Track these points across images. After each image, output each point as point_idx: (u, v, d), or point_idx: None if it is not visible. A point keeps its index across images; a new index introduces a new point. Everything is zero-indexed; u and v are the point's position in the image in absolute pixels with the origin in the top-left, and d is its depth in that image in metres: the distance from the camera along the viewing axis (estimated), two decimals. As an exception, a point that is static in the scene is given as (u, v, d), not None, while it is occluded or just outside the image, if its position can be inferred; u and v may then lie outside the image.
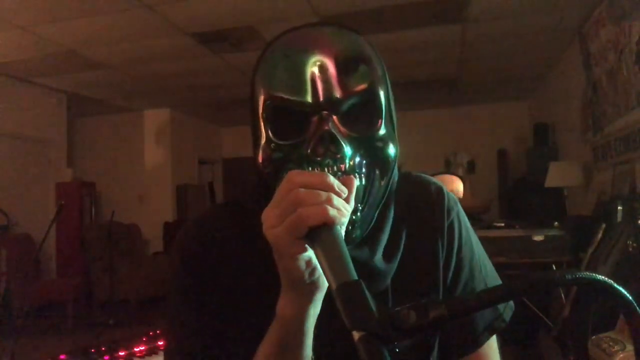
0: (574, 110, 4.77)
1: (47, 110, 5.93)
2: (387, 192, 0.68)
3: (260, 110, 0.64)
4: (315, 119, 0.60)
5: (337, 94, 0.60)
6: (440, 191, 0.77)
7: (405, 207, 0.73)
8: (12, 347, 3.24)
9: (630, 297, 0.42)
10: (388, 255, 0.68)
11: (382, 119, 0.64)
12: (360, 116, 0.62)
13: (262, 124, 0.64)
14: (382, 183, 0.65)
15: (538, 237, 3.40)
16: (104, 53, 4.65)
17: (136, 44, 4.45)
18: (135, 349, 3.27)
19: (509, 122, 7.18)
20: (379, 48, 0.68)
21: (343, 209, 0.50)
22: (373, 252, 0.67)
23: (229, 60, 4.98)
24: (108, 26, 4.02)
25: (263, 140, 0.63)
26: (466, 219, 0.79)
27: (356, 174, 0.60)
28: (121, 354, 3.25)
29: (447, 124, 7.41)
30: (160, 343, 3.35)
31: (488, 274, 0.77)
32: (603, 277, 0.41)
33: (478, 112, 7.29)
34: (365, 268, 0.64)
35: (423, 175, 0.80)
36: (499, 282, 0.78)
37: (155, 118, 7.15)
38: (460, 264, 0.75)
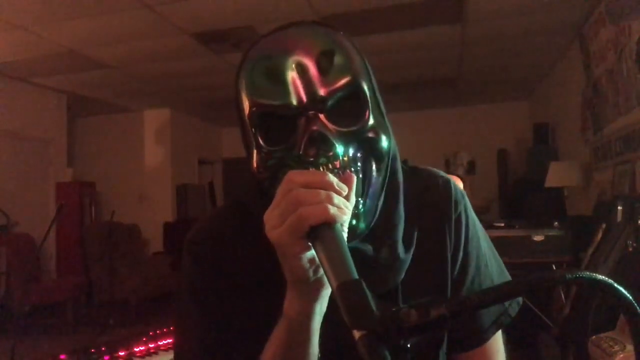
0: (574, 110, 4.77)
1: (47, 110, 5.93)
2: (387, 182, 0.67)
3: (247, 120, 0.64)
4: (302, 120, 0.60)
5: (321, 91, 0.60)
6: (447, 184, 0.76)
7: (414, 201, 0.72)
8: (12, 347, 3.24)
9: (631, 297, 0.42)
10: (405, 247, 0.68)
11: (369, 109, 0.63)
12: (347, 110, 0.62)
13: (251, 131, 0.64)
14: (380, 173, 0.64)
15: (538, 237, 3.40)
16: (104, 53, 4.65)
17: (136, 44, 4.45)
18: (135, 349, 3.27)
19: (509, 122, 7.18)
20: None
21: (344, 207, 0.50)
22: (392, 241, 0.66)
23: (229, 60, 4.97)
24: (108, 26, 4.02)
25: (254, 148, 0.63)
26: (473, 213, 0.78)
27: (352, 169, 0.60)
28: (121, 354, 3.25)
29: (447, 124, 7.40)
30: (161, 343, 3.34)
31: (494, 269, 0.77)
32: (603, 277, 0.41)
33: (478, 112, 7.29)
34: (371, 262, 0.63)
35: (431, 168, 0.79)
36: (506, 276, 0.78)
37: (155, 118, 7.14)
38: (467, 258, 0.74)
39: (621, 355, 1.83)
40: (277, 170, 0.61)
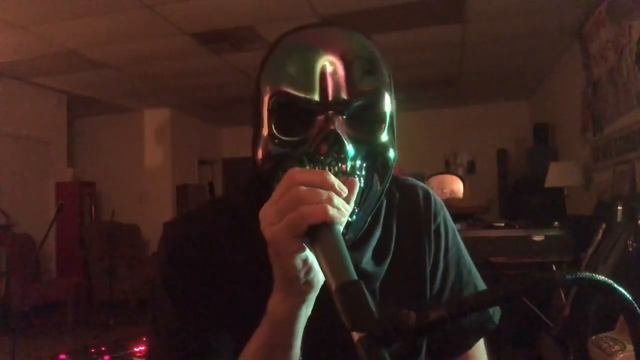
0: (574, 110, 4.77)
1: (47, 110, 5.93)
2: (381, 198, 0.68)
3: (266, 105, 0.63)
4: (321, 118, 0.60)
5: (345, 95, 0.60)
6: (427, 195, 0.77)
7: (394, 212, 0.73)
8: (12, 347, 3.24)
9: (631, 298, 0.42)
10: (377, 259, 0.69)
11: (385, 124, 0.64)
12: (365, 120, 0.62)
13: (266, 118, 0.63)
14: (379, 188, 0.65)
15: (538, 237, 3.39)
16: (104, 53, 4.65)
17: (136, 44, 4.45)
18: (135, 349, 3.27)
19: (509, 122, 7.18)
20: (378, 48, 0.68)
21: (343, 209, 0.50)
22: (362, 255, 0.66)
23: (229, 60, 4.97)
24: (108, 26, 4.02)
25: (265, 135, 0.63)
26: (452, 222, 0.79)
27: (356, 176, 0.60)
28: (121, 354, 3.26)
29: (447, 124, 7.40)
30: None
31: (477, 277, 0.78)
32: (603, 277, 0.40)
33: (478, 112, 7.29)
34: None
35: (410, 179, 0.81)
36: (484, 285, 0.79)
37: (155, 118, 7.14)
38: (447, 267, 0.75)
39: (621, 355, 1.83)
40: (282, 161, 0.61)
